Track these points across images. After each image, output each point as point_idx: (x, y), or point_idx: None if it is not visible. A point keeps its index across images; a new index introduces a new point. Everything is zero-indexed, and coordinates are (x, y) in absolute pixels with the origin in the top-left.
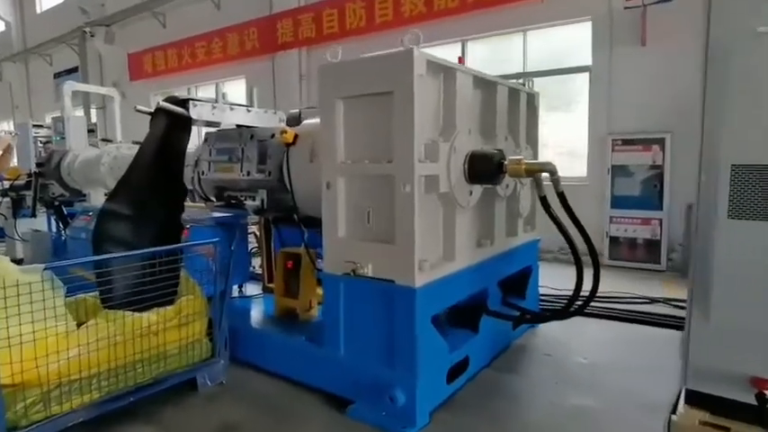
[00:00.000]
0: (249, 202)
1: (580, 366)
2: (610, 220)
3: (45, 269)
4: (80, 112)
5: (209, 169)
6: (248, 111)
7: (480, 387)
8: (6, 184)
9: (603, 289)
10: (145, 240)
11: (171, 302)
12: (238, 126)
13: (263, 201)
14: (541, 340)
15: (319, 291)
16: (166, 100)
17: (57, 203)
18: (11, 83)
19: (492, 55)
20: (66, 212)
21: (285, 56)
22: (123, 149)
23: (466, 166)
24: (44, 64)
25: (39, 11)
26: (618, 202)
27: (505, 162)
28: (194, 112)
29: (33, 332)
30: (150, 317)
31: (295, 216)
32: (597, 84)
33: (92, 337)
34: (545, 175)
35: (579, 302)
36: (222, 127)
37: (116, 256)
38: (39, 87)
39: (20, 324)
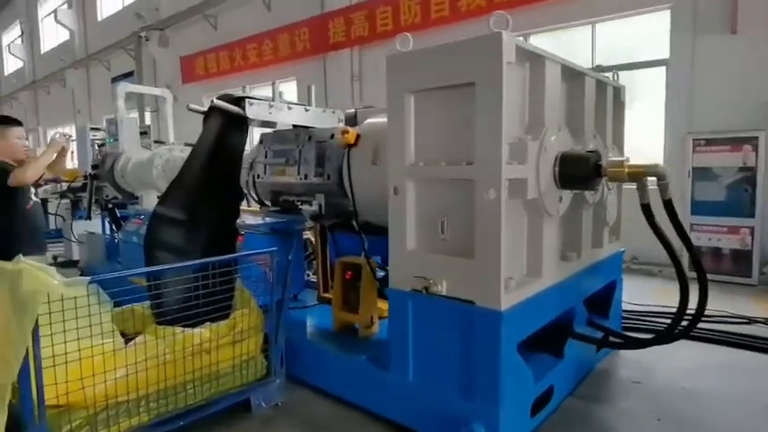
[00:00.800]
0: (306, 207)
1: (680, 397)
2: (690, 228)
3: (90, 282)
4: (134, 115)
5: (265, 172)
6: (306, 110)
7: (566, 420)
8: (65, 186)
9: (688, 305)
10: (197, 247)
11: (225, 316)
12: (295, 126)
13: (320, 206)
14: (625, 364)
15: (381, 305)
16: (221, 98)
17: (110, 206)
18: (73, 89)
19: (555, 50)
20: (119, 215)
21: (337, 56)
22: (176, 152)
23: (556, 169)
24: (103, 69)
25: (99, 18)
26: (699, 209)
27: (603, 164)
28: (250, 111)
29: (79, 350)
30: (203, 333)
31: (354, 223)
32: (676, 78)
33: (140, 355)
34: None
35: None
36: (278, 128)
37: (166, 268)
38: (98, 92)
39: (65, 342)
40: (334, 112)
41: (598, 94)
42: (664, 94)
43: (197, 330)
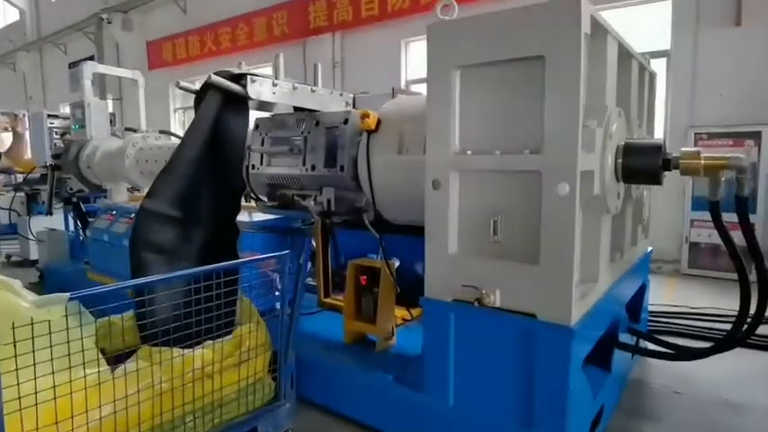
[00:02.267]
0: (311, 203)
1: (726, 410)
2: (690, 224)
3: (71, 299)
4: None
5: (262, 162)
6: (312, 91)
7: None
8: (20, 178)
9: (684, 302)
10: (192, 248)
11: (226, 330)
12: (297, 110)
13: (328, 201)
14: (658, 372)
15: (398, 313)
16: (218, 74)
17: (75, 200)
18: (24, 73)
19: None
20: (85, 210)
21: (317, 41)
22: (150, 140)
23: (620, 161)
24: (59, 53)
25: None
26: (700, 204)
27: (675, 156)
28: (252, 90)
29: (54, 387)
30: (204, 354)
31: (366, 220)
32: (677, 71)
33: (131, 386)
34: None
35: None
36: (276, 111)
37: (164, 278)
38: (53, 78)
39: (35, 378)
40: (341, 95)
41: (640, 79)
42: (664, 86)
43: (198, 351)
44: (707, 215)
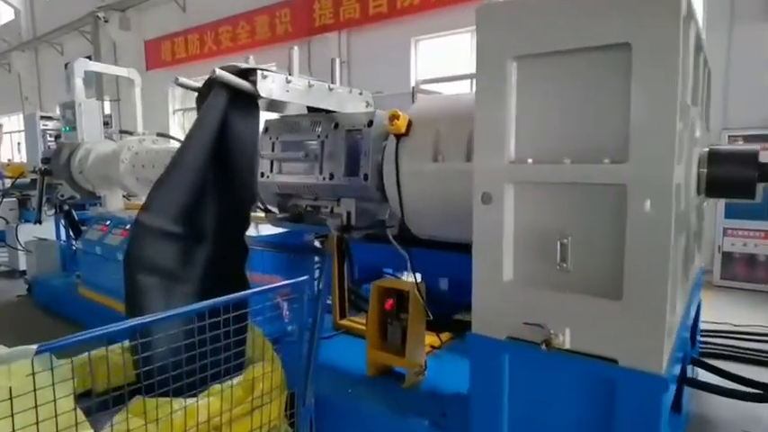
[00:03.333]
0: (329, 217)
1: None
2: (723, 233)
3: (38, 352)
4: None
5: (272, 170)
6: (330, 89)
7: None
8: (8, 182)
9: (719, 317)
10: (196, 269)
11: (235, 367)
12: (311, 110)
13: (348, 214)
14: (712, 406)
15: (427, 339)
16: (224, 69)
17: (66, 207)
18: (20, 73)
19: None
20: (77, 218)
21: (322, 40)
22: (147, 143)
23: (703, 170)
24: (55, 53)
25: None
26: (734, 211)
27: None
28: (263, 88)
29: None
30: (211, 403)
31: (390, 235)
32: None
33: None
34: None
35: None
36: (287, 112)
37: (160, 317)
38: (49, 78)
39: None
40: (361, 94)
41: (704, 76)
42: None
43: (202, 401)
44: (741, 223)
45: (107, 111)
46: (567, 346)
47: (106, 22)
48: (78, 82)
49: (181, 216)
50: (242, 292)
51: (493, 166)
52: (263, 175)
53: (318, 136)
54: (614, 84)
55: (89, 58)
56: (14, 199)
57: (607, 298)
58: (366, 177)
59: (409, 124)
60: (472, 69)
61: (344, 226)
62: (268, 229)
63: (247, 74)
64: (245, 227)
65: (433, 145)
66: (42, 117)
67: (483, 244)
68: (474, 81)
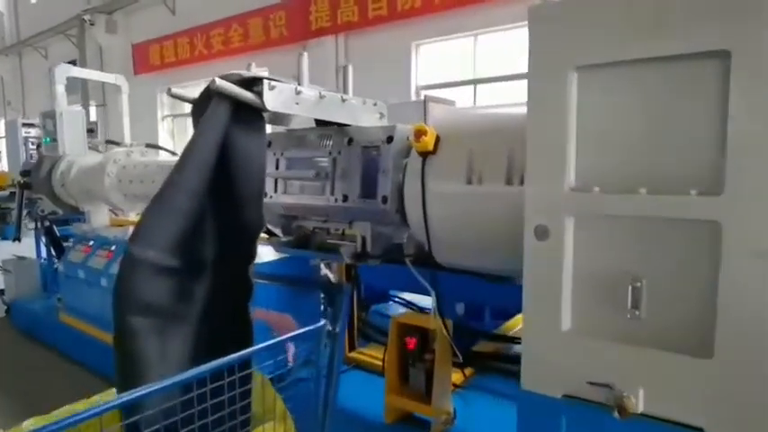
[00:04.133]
0: (339, 240)
1: None
2: None
3: None
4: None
5: (276, 189)
6: (343, 100)
7: None
8: None
9: None
10: (195, 308)
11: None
12: (318, 123)
13: (363, 239)
14: None
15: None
16: (225, 78)
17: (47, 223)
18: (3, 78)
19: None
20: (59, 234)
21: (319, 44)
22: (135, 155)
23: None
24: (39, 58)
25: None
26: None
27: None
28: (270, 99)
29: None
30: None
31: (410, 265)
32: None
33: None
34: None
35: None
36: (293, 126)
37: (155, 388)
38: (33, 83)
39: None
40: (375, 104)
41: None
42: None
43: None
44: None
45: (93, 117)
46: (641, 409)
47: (92, 25)
48: (60, 89)
49: (177, 246)
50: (248, 350)
51: (550, 194)
52: (266, 194)
53: (330, 152)
54: (704, 99)
55: (74, 62)
56: None
57: (690, 355)
58: (385, 200)
59: (437, 141)
60: (474, 75)
61: (359, 254)
62: (266, 252)
63: (251, 83)
64: (251, 259)
65: (467, 165)
66: (25, 124)
67: (536, 286)
68: (474, 87)
